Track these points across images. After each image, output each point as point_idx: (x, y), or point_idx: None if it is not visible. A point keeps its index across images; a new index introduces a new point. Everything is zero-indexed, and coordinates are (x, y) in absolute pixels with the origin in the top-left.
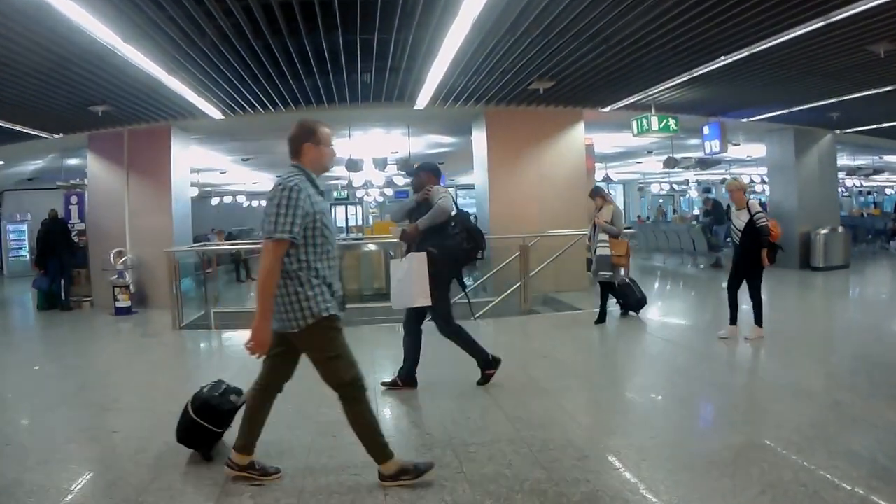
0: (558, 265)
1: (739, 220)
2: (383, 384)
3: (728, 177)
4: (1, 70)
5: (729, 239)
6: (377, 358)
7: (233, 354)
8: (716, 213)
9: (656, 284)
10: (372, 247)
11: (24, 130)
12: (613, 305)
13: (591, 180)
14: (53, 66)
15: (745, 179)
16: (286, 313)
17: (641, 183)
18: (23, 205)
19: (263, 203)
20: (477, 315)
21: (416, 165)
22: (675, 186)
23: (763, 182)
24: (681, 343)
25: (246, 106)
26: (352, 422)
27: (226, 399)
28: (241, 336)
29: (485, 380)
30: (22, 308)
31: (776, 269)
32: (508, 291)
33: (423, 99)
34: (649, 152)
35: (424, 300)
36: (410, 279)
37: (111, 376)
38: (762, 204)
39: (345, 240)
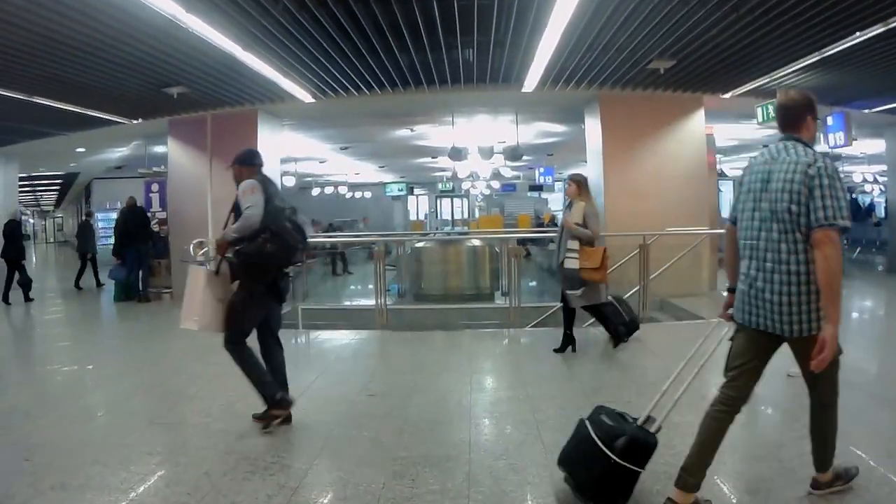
0: (674, 266)
1: None
2: (254, 416)
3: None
4: (57, 49)
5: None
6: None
7: (314, 356)
8: None
9: None
10: (477, 242)
11: (98, 115)
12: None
13: (712, 175)
14: (114, 42)
15: (858, 178)
16: (801, 314)
17: None
18: (111, 193)
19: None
20: (587, 323)
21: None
22: None
23: (876, 182)
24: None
25: (338, 88)
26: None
27: (650, 433)
28: (328, 336)
29: (265, 419)
30: (101, 298)
31: (888, 277)
32: (626, 296)
33: (531, 80)
34: (765, 146)
35: (189, 323)
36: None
37: (171, 380)
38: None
39: (448, 234)
